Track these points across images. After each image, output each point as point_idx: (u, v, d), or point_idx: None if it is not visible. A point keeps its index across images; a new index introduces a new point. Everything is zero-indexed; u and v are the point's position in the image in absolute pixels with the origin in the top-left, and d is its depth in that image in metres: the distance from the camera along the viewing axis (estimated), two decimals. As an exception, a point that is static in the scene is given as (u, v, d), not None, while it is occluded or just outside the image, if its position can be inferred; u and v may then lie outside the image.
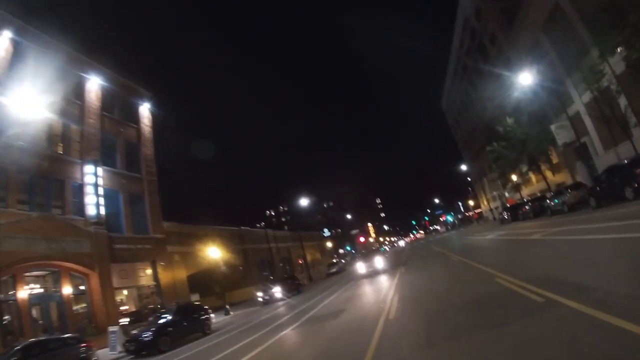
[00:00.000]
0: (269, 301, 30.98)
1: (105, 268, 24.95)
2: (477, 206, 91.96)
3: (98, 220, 25.74)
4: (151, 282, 30.17)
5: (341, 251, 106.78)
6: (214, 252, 33.68)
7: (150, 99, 35.34)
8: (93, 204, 25.73)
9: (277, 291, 31.28)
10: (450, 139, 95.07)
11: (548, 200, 32.65)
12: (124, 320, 24.62)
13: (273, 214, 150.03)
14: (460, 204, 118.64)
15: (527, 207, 37.63)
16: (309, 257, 65.60)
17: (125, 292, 28.05)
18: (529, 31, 37.17)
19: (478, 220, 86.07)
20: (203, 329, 20.84)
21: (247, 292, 43.37)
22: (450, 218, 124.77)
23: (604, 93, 26.72)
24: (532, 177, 50.62)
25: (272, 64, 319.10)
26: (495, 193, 69.49)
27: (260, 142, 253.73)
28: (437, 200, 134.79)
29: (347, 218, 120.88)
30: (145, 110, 34.64)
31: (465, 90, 70.42)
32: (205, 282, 36.60)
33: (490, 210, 67.92)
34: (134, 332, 19.88)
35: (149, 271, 30.17)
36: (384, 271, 27.18)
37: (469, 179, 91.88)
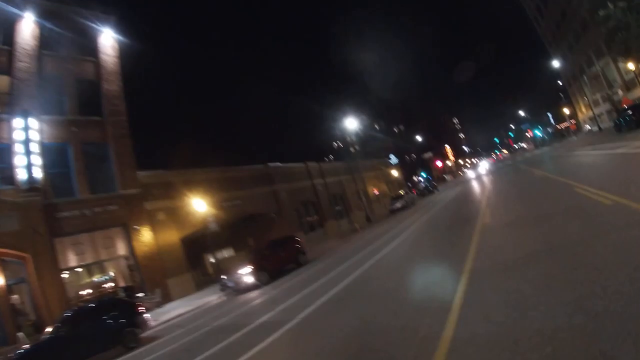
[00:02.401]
0: (236, 289, 19.34)
1: (42, 246, 18.77)
2: (572, 116, 76.61)
3: (31, 186, 19.36)
4: (126, 253, 23.44)
5: (415, 179, 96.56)
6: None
7: (115, 24, 27.23)
8: (23, 167, 19.38)
9: (246, 273, 18.90)
10: (533, 37, 78.67)
11: None
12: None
13: (341, 145, 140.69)
14: (549, 115, 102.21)
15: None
16: (370, 190, 56.66)
17: (81, 271, 22.18)
18: None
19: (576, 132, 71.15)
20: (123, 339, 12.74)
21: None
22: (538, 132, 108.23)
23: None
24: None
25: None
26: (598, 95, 55.42)
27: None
28: (521, 113, 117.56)
29: (419, 141, 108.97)
30: (107, 38, 26.69)
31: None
32: (215, 240, 28.76)
33: (595, 117, 54.10)
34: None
35: (122, 239, 23.24)
36: (464, 206, 20.50)
37: (559, 82, 76.56)
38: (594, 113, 53.66)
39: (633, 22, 28.47)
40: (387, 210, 46.61)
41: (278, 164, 39.76)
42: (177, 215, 26.48)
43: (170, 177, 27.88)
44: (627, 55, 31.74)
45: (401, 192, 51.40)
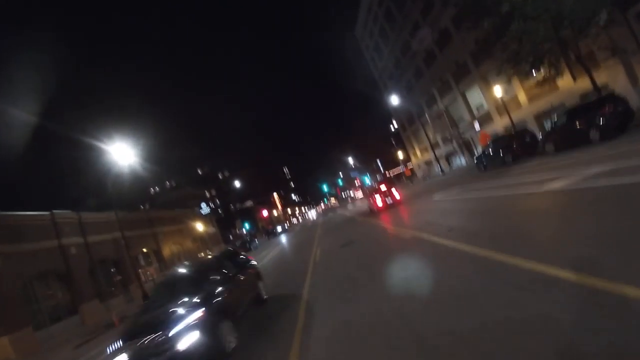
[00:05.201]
0: None
1: None
2: (406, 161, 71.24)
3: None
4: None
5: (238, 231, 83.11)
6: None
7: None
8: None
9: None
10: (368, 79, 73.10)
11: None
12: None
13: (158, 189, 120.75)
14: (378, 161, 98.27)
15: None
16: (169, 250, 41.15)
17: None
18: None
19: (411, 178, 65.03)
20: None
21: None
22: (367, 180, 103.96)
23: None
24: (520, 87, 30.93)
25: None
26: (438, 136, 49.17)
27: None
28: (350, 160, 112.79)
29: (244, 189, 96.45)
30: None
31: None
32: None
33: (436, 160, 47.21)
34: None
35: None
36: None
37: (394, 125, 71.38)
38: (435, 155, 46.77)
39: (531, 10, 19.81)
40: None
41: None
42: None
43: None
44: (516, 62, 23.16)
45: (203, 253, 37.29)
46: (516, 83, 31.55)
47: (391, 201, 25.07)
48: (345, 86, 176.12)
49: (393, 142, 76.94)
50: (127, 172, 33.18)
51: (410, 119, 59.07)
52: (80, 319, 26.36)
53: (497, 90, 30.03)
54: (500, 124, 35.22)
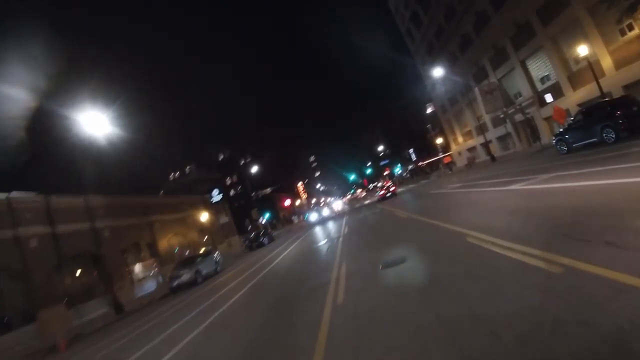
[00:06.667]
0: None
1: None
2: (445, 148, 63.50)
3: None
4: None
5: (258, 222, 77.23)
6: None
7: None
8: None
9: None
10: (404, 58, 65.88)
11: None
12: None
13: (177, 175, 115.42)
14: (410, 151, 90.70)
15: None
16: (167, 243, 35.25)
17: None
18: None
19: (449, 165, 57.53)
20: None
21: None
22: (398, 169, 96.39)
23: None
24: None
25: None
26: (487, 117, 41.91)
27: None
28: (381, 148, 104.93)
29: (265, 177, 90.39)
30: None
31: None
32: None
33: (485, 144, 40.03)
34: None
35: None
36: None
37: (429, 109, 64.06)
38: (485, 139, 39.53)
39: None
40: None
41: None
42: None
43: None
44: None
45: (202, 250, 31.34)
46: (598, 45, 24.57)
47: (390, 193, 38.43)
48: (378, 67, 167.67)
49: (429, 128, 69.55)
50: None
51: (452, 99, 51.80)
52: (38, 328, 20.81)
53: (583, 50, 22.96)
54: (573, 99, 27.95)
